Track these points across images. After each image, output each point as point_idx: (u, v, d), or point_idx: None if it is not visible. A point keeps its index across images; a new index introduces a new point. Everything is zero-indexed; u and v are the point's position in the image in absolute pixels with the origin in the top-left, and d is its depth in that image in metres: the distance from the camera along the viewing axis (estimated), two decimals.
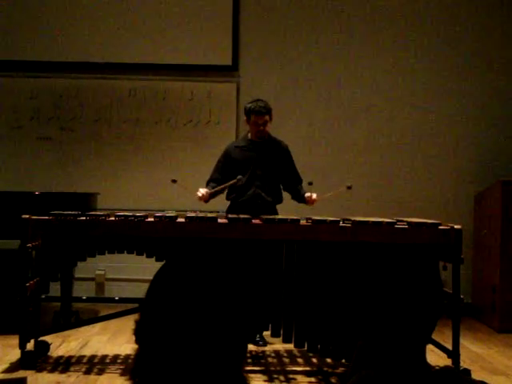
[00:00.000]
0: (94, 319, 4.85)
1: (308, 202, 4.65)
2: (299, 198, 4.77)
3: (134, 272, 5.95)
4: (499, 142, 6.33)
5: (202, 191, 4.55)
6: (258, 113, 4.59)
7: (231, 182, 4.59)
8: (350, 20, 6.37)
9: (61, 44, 6.26)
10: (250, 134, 4.78)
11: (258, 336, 4.67)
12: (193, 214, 4.16)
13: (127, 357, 4.28)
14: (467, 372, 3.82)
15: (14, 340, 4.05)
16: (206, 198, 4.56)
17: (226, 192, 4.75)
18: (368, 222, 3.98)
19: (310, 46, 6.37)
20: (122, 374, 3.89)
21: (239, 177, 4.57)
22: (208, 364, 1.15)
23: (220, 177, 4.71)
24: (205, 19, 6.31)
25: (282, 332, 4.03)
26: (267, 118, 4.64)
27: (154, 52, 6.29)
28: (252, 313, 3.91)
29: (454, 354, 3.90)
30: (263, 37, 6.37)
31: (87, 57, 6.27)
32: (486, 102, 6.35)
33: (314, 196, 4.61)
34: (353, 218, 4.06)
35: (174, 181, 4.51)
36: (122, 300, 5.03)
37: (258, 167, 4.70)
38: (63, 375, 3.86)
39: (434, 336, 1.76)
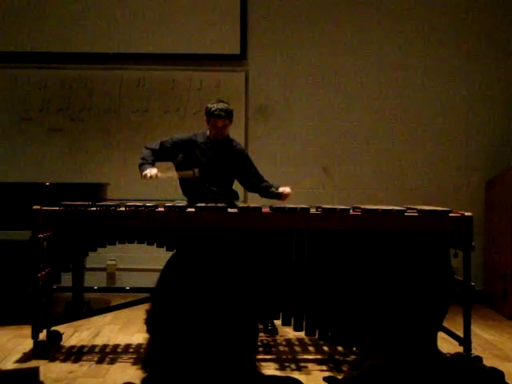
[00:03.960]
0: (106, 309, 4.88)
1: (282, 197, 4.64)
2: (271, 194, 4.74)
3: (144, 262, 5.97)
4: (510, 128, 6.28)
5: (153, 172, 4.50)
6: (218, 116, 4.54)
7: (186, 174, 4.57)
8: (360, 9, 6.33)
9: (70, 35, 6.26)
10: (209, 132, 4.74)
11: (269, 325, 4.68)
12: (203, 204, 4.16)
13: (139, 346, 4.31)
14: (479, 359, 3.81)
15: (27, 330, 4.08)
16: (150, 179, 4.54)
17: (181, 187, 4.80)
18: (378, 210, 3.97)
19: (318, 35, 6.33)
20: (133, 364, 3.92)
21: (196, 169, 4.55)
22: (219, 353, 1.15)
23: (159, 151, 4.66)
24: (213, 8, 6.28)
25: (292, 320, 4.04)
26: (227, 121, 4.59)
27: (162, 42, 6.28)
28: (262, 302, 3.92)
29: (465, 341, 3.90)
30: (271, 25, 6.34)
31: (96, 47, 6.26)
32: (497, 88, 6.30)
33: (288, 190, 4.62)
34: (363, 206, 4.05)
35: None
36: (133, 290, 5.04)
37: (215, 165, 4.68)
38: (76, 364, 3.89)
39: (446, 323, 1.75)
